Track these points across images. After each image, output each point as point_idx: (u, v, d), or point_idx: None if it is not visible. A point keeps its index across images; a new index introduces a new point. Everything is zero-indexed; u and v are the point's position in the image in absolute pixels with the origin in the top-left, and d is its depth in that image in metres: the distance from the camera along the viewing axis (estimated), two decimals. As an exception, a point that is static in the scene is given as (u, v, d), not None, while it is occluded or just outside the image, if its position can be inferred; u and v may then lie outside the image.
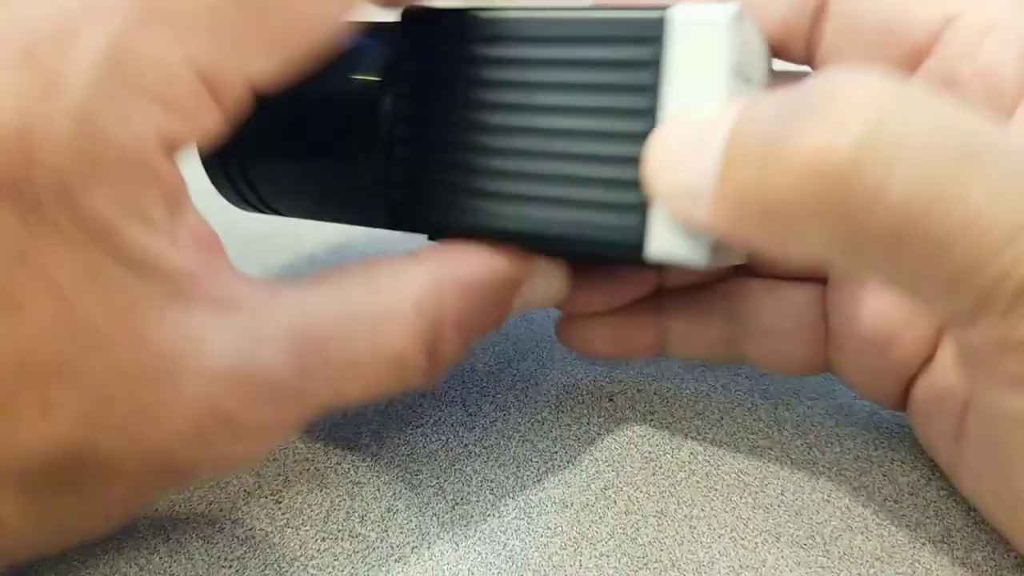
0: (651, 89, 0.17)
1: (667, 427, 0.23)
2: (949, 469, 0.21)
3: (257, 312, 0.17)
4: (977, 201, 0.13)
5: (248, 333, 0.16)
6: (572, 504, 0.21)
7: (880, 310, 0.21)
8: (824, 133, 0.14)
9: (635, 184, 0.17)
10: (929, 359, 0.21)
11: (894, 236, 0.14)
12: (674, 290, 0.24)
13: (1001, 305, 0.14)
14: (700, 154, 0.16)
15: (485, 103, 0.19)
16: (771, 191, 0.14)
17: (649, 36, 0.17)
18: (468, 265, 0.19)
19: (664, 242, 0.17)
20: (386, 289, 0.18)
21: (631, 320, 0.23)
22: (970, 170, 0.13)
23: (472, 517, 0.20)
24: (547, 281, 0.21)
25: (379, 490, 0.21)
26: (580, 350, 0.24)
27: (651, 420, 0.23)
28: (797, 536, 0.20)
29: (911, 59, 0.19)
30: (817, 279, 0.22)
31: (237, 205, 0.25)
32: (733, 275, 0.23)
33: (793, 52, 0.21)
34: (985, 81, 0.18)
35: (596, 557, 0.19)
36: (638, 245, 0.18)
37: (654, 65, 0.17)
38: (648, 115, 0.17)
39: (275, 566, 0.19)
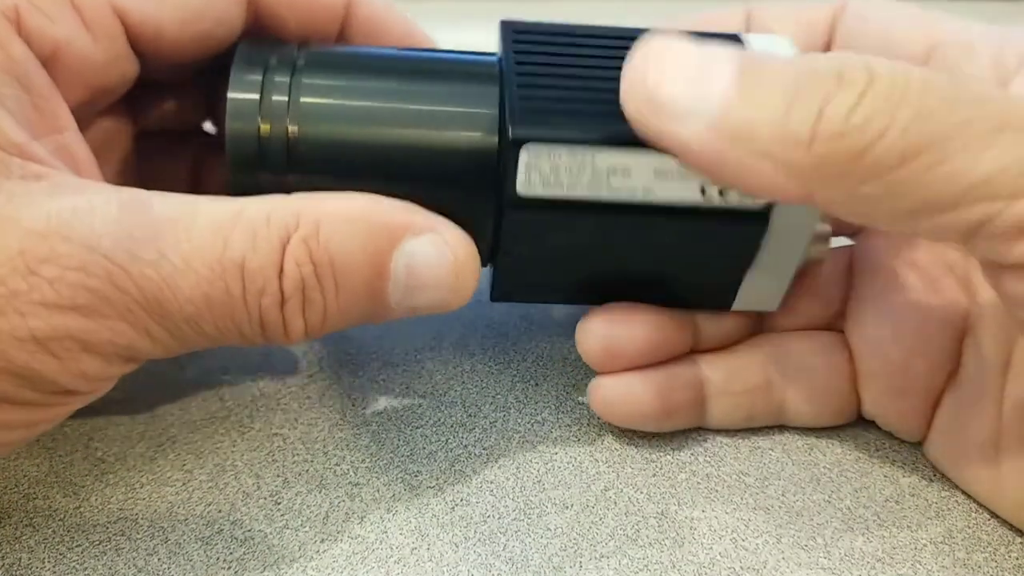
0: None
1: (667, 428, 0.23)
2: (987, 494, 0.21)
3: (91, 187, 0.17)
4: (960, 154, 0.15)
5: (76, 203, 0.16)
6: (572, 505, 0.21)
7: (900, 331, 0.21)
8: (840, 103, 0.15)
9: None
10: (954, 372, 0.21)
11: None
12: (708, 349, 0.23)
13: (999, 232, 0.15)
14: (702, 80, 0.16)
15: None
16: (790, 139, 0.15)
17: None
18: (339, 200, 0.18)
19: (748, 299, 0.21)
20: (240, 200, 0.17)
21: (670, 373, 0.22)
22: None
23: (472, 518, 0.20)
24: (436, 245, 0.18)
25: (378, 491, 0.21)
26: (617, 414, 0.22)
27: (651, 421, 0.23)
28: (798, 537, 0.20)
29: None
30: (836, 329, 0.23)
31: None
32: (760, 330, 0.23)
33: None
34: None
35: (596, 558, 0.19)
36: (727, 305, 0.22)
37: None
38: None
39: (274, 567, 0.19)
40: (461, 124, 0.19)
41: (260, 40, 0.21)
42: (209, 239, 0.16)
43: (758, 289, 0.21)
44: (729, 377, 0.22)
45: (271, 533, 0.20)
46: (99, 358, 0.17)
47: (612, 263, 0.20)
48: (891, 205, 0.15)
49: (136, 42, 0.20)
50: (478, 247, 0.19)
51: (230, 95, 0.19)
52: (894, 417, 0.22)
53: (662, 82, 0.16)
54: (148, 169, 0.24)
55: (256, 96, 0.19)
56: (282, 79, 0.19)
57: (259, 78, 0.19)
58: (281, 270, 0.17)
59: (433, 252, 0.18)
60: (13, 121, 0.17)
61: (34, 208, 0.16)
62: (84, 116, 0.20)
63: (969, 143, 0.14)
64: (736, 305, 0.22)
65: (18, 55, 0.18)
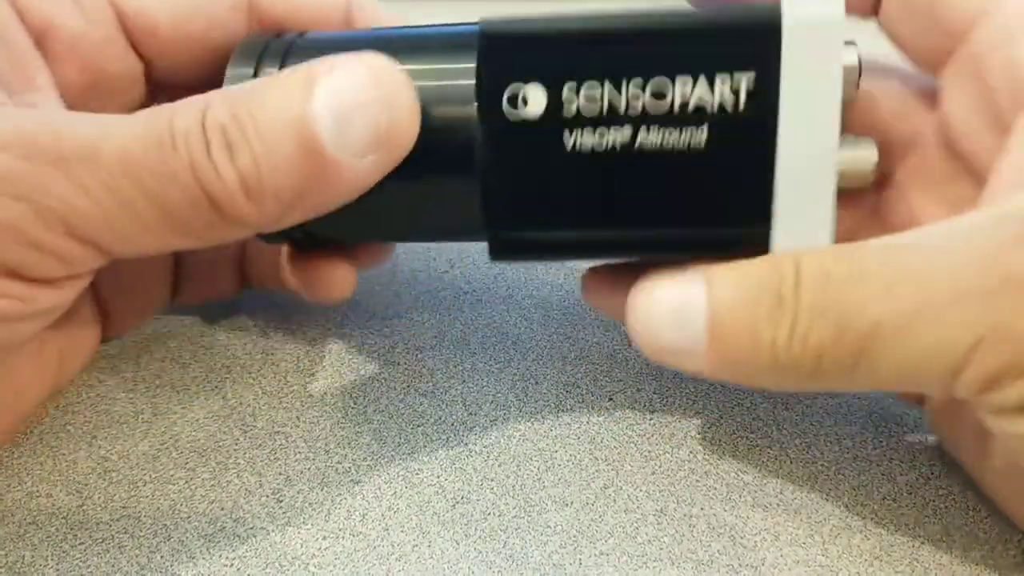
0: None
1: (666, 426, 0.23)
2: (972, 469, 0.21)
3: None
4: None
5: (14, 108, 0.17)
6: (572, 502, 0.21)
7: None
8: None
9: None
10: None
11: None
12: None
13: (971, 390, 0.16)
14: (684, 328, 0.18)
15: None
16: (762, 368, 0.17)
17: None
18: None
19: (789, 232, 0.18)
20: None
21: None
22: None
23: (472, 515, 0.21)
24: (347, 70, 0.17)
25: (380, 488, 0.21)
26: (609, 306, 0.22)
27: (651, 419, 0.23)
28: (796, 535, 0.20)
29: (949, 41, 0.20)
30: None
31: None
32: None
33: (863, 3, 0.21)
34: (1010, 75, 0.18)
35: (596, 555, 0.20)
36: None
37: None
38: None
39: (276, 564, 0.19)
40: (439, 77, 0.19)
41: (261, 34, 0.21)
42: (139, 114, 0.17)
43: (796, 212, 0.18)
44: None
45: (273, 531, 0.20)
46: (33, 215, 0.17)
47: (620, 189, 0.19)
48: (864, 388, 0.18)
49: (132, 36, 0.21)
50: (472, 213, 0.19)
51: (225, 84, 0.19)
52: (951, 443, 0.22)
53: (658, 334, 0.18)
54: None
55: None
56: (271, 67, 0.20)
57: (251, 70, 0.20)
58: (203, 121, 0.17)
59: (347, 76, 0.17)
60: None
61: None
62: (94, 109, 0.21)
63: (899, 328, 0.16)
64: (776, 241, 0.18)
65: (3, 17, 0.19)
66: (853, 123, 0.21)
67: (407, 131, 0.18)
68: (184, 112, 0.17)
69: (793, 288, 0.17)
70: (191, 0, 0.21)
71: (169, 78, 0.22)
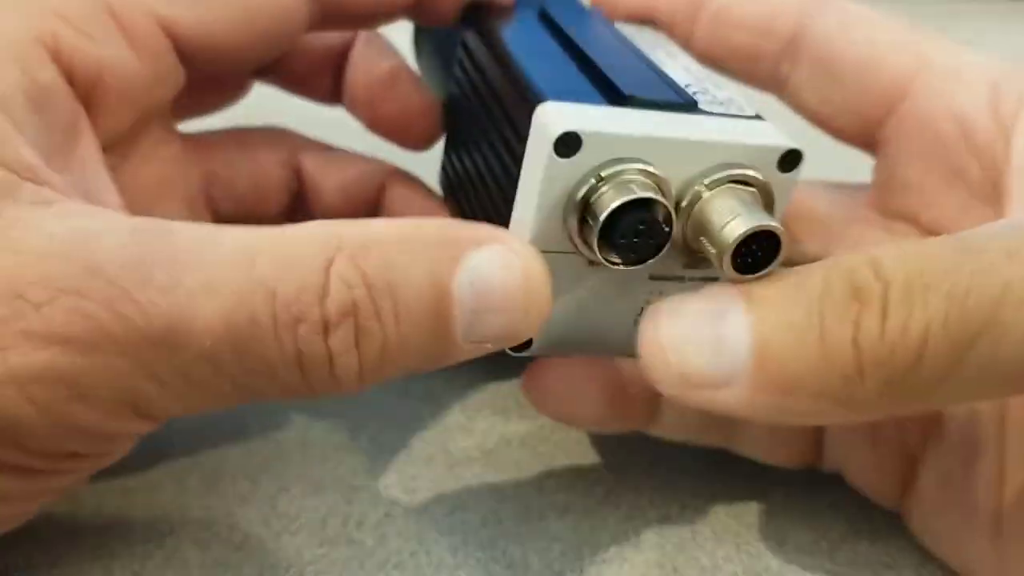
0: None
1: (669, 431, 0.23)
2: (974, 566, 0.18)
3: (105, 212, 0.15)
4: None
5: (85, 224, 0.14)
6: (573, 509, 0.21)
7: None
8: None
9: None
10: (934, 423, 0.19)
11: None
12: None
13: None
14: (721, 352, 0.15)
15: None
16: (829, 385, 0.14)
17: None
18: (386, 221, 0.16)
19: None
20: (277, 227, 0.15)
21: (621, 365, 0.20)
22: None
23: (471, 523, 0.20)
24: (503, 256, 0.15)
25: (376, 495, 0.21)
26: (556, 409, 0.21)
27: (653, 424, 0.23)
28: (802, 541, 0.20)
29: (886, 101, 0.20)
30: None
31: None
32: None
33: (758, 78, 0.22)
34: (959, 123, 0.19)
35: (598, 563, 0.19)
36: None
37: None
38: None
39: (271, 572, 0.19)
40: None
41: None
42: (233, 259, 0.14)
43: None
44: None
45: (268, 538, 0.20)
46: (95, 408, 0.14)
47: None
48: (966, 392, 0.15)
49: (188, 55, 0.19)
50: None
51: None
52: (861, 472, 0.20)
53: (687, 361, 0.15)
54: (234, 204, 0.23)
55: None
56: None
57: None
58: (325, 293, 0.14)
59: (500, 264, 0.15)
60: (29, 146, 0.15)
61: (37, 231, 0.14)
62: (136, 140, 0.20)
63: (1018, 307, 0.13)
64: None
65: (46, 82, 0.16)
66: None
67: (532, 332, 0.16)
68: (295, 271, 0.14)
69: (872, 275, 0.14)
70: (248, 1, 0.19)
71: (210, 78, 0.21)
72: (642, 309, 0.17)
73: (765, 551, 0.20)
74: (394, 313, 0.14)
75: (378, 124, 0.24)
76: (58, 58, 0.17)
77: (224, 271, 0.14)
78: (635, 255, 0.15)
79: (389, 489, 0.21)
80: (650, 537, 0.20)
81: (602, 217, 0.15)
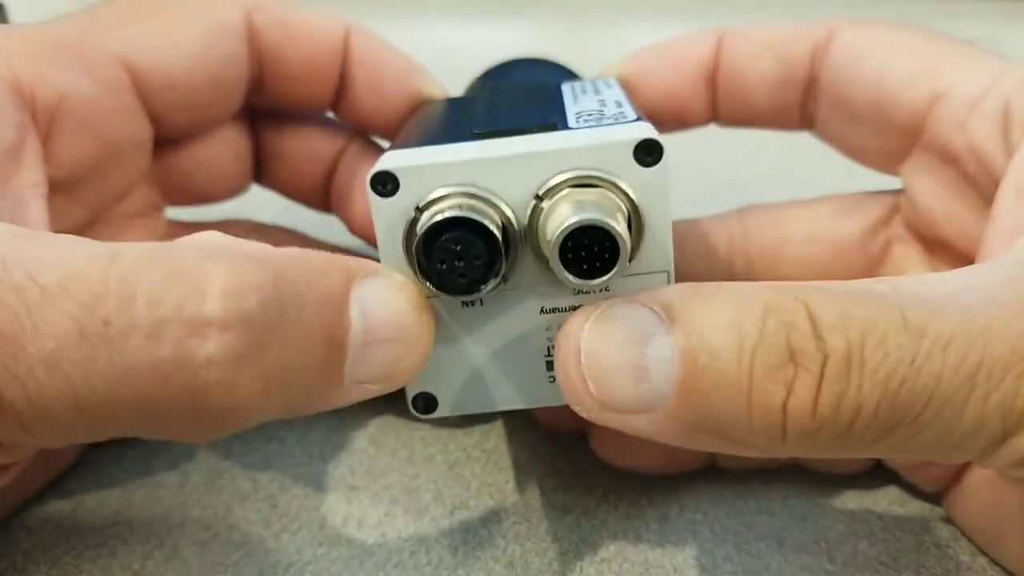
0: None
1: (669, 431, 0.23)
2: (990, 545, 0.19)
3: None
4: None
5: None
6: (573, 509, 0.21)
7: None
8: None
9: None
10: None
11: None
12: None
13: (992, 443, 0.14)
14: (645, 377, 0.14)
15: None
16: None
17: None
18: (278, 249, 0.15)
19: None
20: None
21: None
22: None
23: (471, 522, 0.20)
24: (390, 287, 0.15)
25: (376, 495, 0.21)
26: (622, 461, 0.21)
27: (652, 424, 0.23)
28: (801, 541, 0.20)
29: (905, 138, 0.20)
30: None
31: None
32: None
33: (789, 121, 0.22)
34: (976, 155, 0.19)
35: (597, 563, 0.19)
36: None
37: None
38: None
39: (271, 571, 0.19)
40: None
41: None
42: (92, 259, 0.13)
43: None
44: None
45: (268, 537, 0.20)
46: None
47: None
48: (905, 447, 0.14)
49: (147, 95, 0.20)
50: None
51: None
52: (912, 466, 0.20)
53: (606, 388, 0.14)
54: None
55: None
56: None
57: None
58: (205, 297, 0.13)
59: (389, 295, 0.15)
60: None
61: None
62: (110, 186, 0.20)
63: (949, 398, 0.13)
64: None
65: None
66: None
67: (415, 368, 0.16)
68: (155, 269, 0.13)
69: (811, 338, 0.13)
70: (199, 43, 0.20)
71: (177, 133, 0.22)
72: (548, 349, 0.17)
73: (764, 551, 0.20)
74: (297, 327, 0.14)
75: (358, 231, 0.23)
76: (18, 90, 0.17)
77: (79, 275, 0.13)
78: (465, 279, 0.15)
79: (389, 488, 0.21)
80: (650, 537, 0.20)
81: (414, 245, 0.15)
